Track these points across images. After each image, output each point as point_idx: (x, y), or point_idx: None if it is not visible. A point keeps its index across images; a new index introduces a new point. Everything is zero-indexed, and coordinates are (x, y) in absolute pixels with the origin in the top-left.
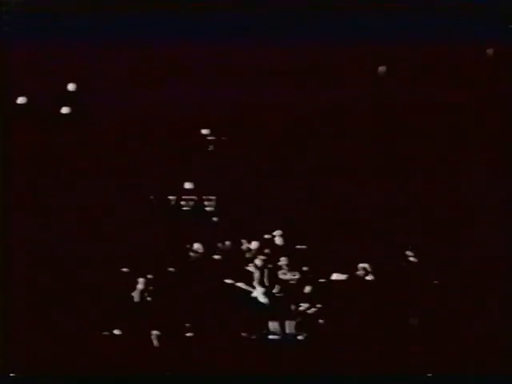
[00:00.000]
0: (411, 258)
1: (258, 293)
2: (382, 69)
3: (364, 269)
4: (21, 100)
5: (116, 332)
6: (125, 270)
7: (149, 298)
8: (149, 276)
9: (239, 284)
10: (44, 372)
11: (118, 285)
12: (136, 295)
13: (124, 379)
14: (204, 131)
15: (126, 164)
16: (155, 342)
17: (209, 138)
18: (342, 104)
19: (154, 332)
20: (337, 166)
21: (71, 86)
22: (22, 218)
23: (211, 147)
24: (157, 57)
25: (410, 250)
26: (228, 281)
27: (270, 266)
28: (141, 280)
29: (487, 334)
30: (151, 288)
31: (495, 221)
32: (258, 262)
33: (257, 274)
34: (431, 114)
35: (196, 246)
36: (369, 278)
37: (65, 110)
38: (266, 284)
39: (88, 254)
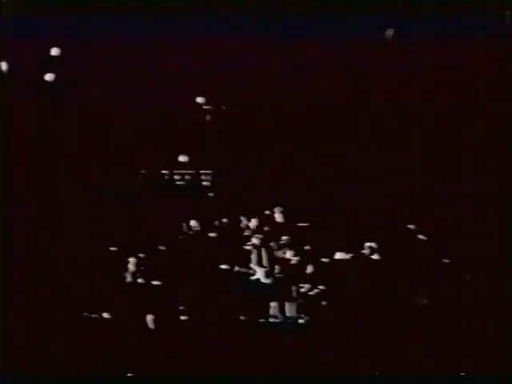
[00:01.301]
0: (420, 236)
1: (260, 274)
2: (389, 32)
3: (370, 247)
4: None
5: (105, 315)
6: (113, 249)
7: (140, 280)
8: (140, 255)
9: (238, 268)
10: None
11: (107, 265)
12: (126, 276)
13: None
14: (199, 100)
15: (115, 136)
16: (150, 325)
17: (205, 107)
18: (340, 79)
19: (149, 316)
20: (342, 138)
21: (55, 51)
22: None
23: (208, 117)
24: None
25: (422, 234)
26: (225, 261)
27: (269, 244)
28: (132, 260)
29: (504, 316)
30: (143, 268)
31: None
32: (256, 240)
33: (255, 254)
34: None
35: (191, 223)
36: (375, 257)
37: (49, 77)
38: (266, 264)
39: (74, 232)
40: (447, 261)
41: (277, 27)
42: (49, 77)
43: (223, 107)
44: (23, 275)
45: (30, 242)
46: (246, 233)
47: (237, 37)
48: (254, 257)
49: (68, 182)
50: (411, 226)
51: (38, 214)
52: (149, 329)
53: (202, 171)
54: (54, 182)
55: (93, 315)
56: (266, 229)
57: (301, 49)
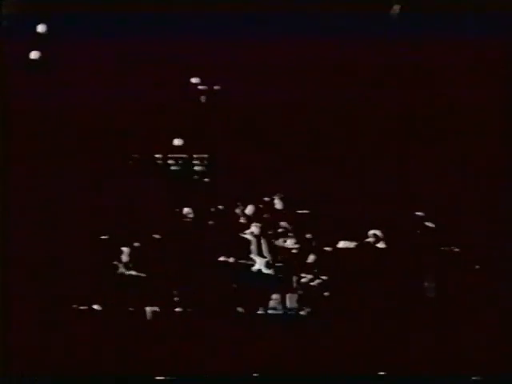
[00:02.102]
0: (428, 223)
1: (260, 264)
2: (396, 8)
3: (375, 235)
4: None
5: (96, 307)
6: (105, 237)
7: (132, 272)
8: (134, 244)
9: (234, 259)
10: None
11: (98, 254)
12: (118, 266)
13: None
14: (194, 80)
15: (106, 118)
16: (149, 316)
17: (200, 87)
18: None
19: (146, 309)
20: (345, 121)
21: (41, 28)
22: None
23: (203, 98)
24: None
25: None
26: (223, 250)
27: (269, 232)
28: (125, 249)
29: None
30: (135, 258)
31: None
32: (255, 228)
33: (254, 243)
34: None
35: (186, 210)
36: (380, 245)
37: (34, 55)
38: (266, 254)
39: (63, 220)
40: (457, 249)
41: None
42: (34, 55)
43: (218, 87)
44: (7, 264)
45: (17, 232)
46: (244, 221)
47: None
48: (253, 246)
49: (57, 166)
50: (419, 213)
51: (24, 200)
52: (143, 322)
53: (197, 155)
54: (43, 167)
55: (82, 307)
56: (265, 216)
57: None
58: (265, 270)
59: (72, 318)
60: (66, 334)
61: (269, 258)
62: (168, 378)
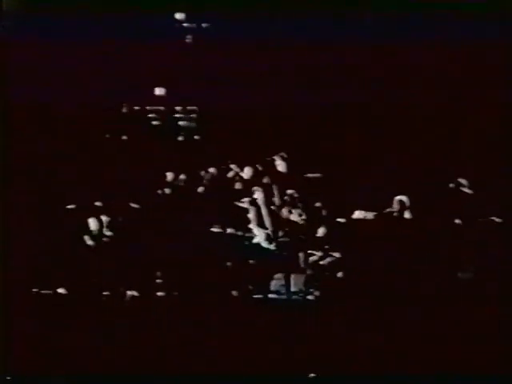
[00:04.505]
0: (465, 189)
1: (260, 237)
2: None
3: (400, 203)
4: None
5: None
6: (71, 206)
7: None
8: (104, 218)
9: (231, 229)
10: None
11: (63, 226)
12: (87, 240)
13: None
14: (178, 16)
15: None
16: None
17: (185, 24)
18: None
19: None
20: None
21: None
22: None
23: (189, 38)
24: None
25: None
26: (215, 221)
27: (270, 200)
28: (94, 221)
29: None
30: (109, 232)
31: None
32: (253, 195)
33: (253, 212)
34: None
35: (169, 175)
36: (406, 215)
37: None
38: (267, 225)
39: (25, 186)
40: (499, 220)
41: None
42: None
43: (207, 25)
44: None
45: None
46: (241, 186)
47: None
48: (251, 216)
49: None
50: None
51: None
52: (118, 308)
53: (183, 107)
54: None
55: (45, 291)
56: (265, 181)
57: None
58: (264, 245)
59: (31, 304)
60: (27, 326)
61: (270, 230)
62: (148, 373)
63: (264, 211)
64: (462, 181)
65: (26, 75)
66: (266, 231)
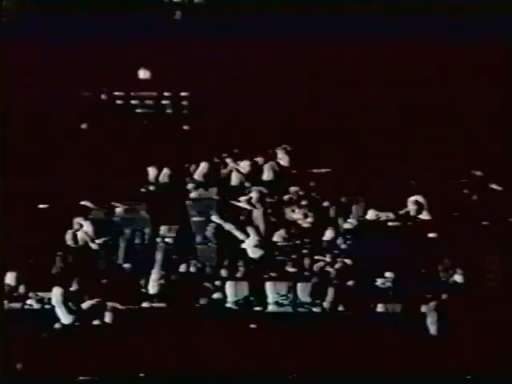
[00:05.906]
0: (493, 186)
1: (249, 244)
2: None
3: (416, 203)
4: None
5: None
6: (43, 206)
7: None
8: (80, 219)
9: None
10: None
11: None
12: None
13: None
14: None
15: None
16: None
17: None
18: None
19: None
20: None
21: None
22: None
23: (178, 14)
24: None
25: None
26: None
27: (270, 199)
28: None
29: None
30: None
31: None
32: (251, 193)
33: (250, 212)
34: None
35: (151, 170)
36: (423, 216)
37: None
38: (262, 230)
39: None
40: None
41: None
42: None
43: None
44: None
45: None
46: (237, 182)
47: None
48: (253, 216)
49: None
50: (478, 173)
51: None
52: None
53: (172, 94)
54: None
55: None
56: (265, 177)
57: None
58: (255, 254)
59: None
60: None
61: (264, 233)
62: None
63: (259, 212)
64: (490, 182)
65: None
66: (257, 238)
